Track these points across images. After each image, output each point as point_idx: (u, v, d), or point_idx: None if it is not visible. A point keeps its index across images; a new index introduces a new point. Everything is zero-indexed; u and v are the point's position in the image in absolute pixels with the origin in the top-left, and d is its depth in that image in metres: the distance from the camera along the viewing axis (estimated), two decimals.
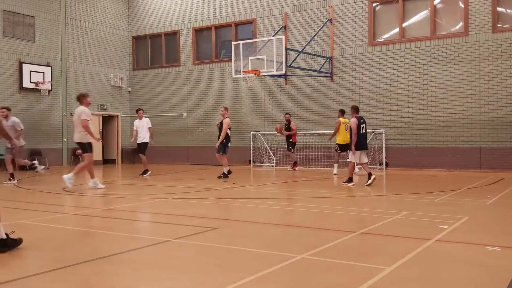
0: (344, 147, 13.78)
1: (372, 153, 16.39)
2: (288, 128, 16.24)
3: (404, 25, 16.31)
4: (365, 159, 11.44)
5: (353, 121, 11.16)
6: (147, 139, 14.64)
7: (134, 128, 14.87)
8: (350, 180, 11.23)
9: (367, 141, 11.94)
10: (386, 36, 16.68)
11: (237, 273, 4.14)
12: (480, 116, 15.04)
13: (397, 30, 16.39)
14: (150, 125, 14.72)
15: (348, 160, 11.61)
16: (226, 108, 13.64)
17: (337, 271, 4.20)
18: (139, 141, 14.67)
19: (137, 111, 15.08)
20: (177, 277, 4.14)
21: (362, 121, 11.31)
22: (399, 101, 16.21)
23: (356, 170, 13.99)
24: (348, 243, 5.28)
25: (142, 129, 14.56)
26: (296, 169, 16.32)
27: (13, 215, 7.50)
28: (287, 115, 16.48)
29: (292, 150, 16.28)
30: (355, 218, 7.20)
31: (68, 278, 4.09)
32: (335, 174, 14.33)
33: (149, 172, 14.65)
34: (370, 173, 11.16)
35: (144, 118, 14.77)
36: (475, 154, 15.10)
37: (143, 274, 4.19)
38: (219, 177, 13.10)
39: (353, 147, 10.93)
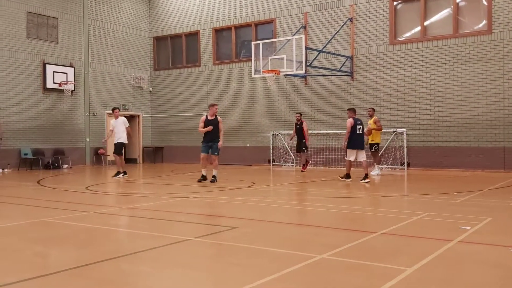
0: (370, 147, 14.29)
1: (393, 153, 16.25)
2: (300, 129, 15.49)
3: (426, 23, 16.11)
4: (362, 158, 12.21)
5: (349, 121, 12.07)
6: (123, 139, 13.87)
7: (110, 128, 14.24)
8: (348, 176, 12.19)
9: (364, 142, 12.65)
10: (407, 34, 16.50)
11: (257, 272, 4.14)
12: (504, 115, 14.76)
13: (418, 28, 16.20)
14: (127, 125, 14.02)
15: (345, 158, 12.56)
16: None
17: (357, 272, 4.17)
18: (114, 141, 13.98)
19: (112, 110, 14.35)
20: (197, 276, 4.16)
21: (358, 122, 12.18)
22: (420, 101, 16.02)
23: (378, 171, 14.28)
24: (369, 244, 5.24)
25: (118, 129, 13.84)
26: (304, 170, 15.66)
27: (37, 213, 7.65)
28: (297, 115, 15.72)
29: (306, 151, 15.68)
30: (376, 218, 7.14)
31: (90, 276, 4.15)
32: (372, 174, 14.17)
33: (125, 175, 13.87)
34: (367, 174, 12.11)
35: (120, 118, 14.06)
36: (498, 154, 14.83)
37: (163, 273, 4.23)
38: (212, 181, 11.97)
39: (345, 144, 12.11)
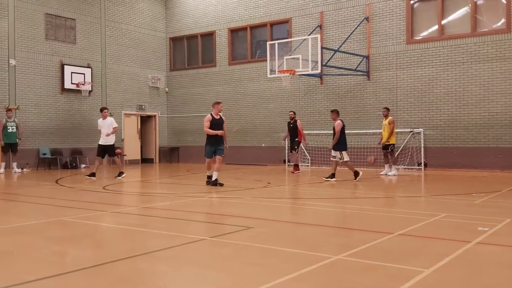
0: (385, 147, 14.42)
1: (410, 153, 16.10)
2: (295, 127, 15.27)
3: (443, 22, 15.93)
4: (347, 158, 12.61)
5: (340, 123, 12.39)
6: (111, 141, 13.58)
7: (98, 128, 13.88)
8: (333, 175, 12.42)
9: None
10: (424, 33, 16.34)
11: (273, 272, 4.14)
12: None
13: (436, 27, 16.03)
14: (115, 125, 13.65)
15: (331, 158, 12.87)
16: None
17: (374, 273, 4.15)
18: (101, 143, 13.54)
19: (101, 110, 14.02)
20: (213, 276, 4.17)
21: (343, 124, 12.65)
22: (438, 100, 15.85)
23: (395, 172, 14.26)
24: (386, 245, 5.20)
25: (105, 130, 13.52)
26: (296, 172, 15.18)
27: (56, 212, 7.75)
28: (291, 113, 15.52)
29: (297, 150, 15.53)
30: (393, 219, 7.08)
31: (107, 274, 4.19)
32: (387, 174, 14.22)
33: (124, 174, 13.67)
34: (356, 171, 12.51)
35: (108, 118, 13.73)
36: None
37: (180, 272, 4.25)
38: (214, 184, 11.15)
39: (332, 146, 12.46)
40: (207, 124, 11.18)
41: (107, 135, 13.46)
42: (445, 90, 15.71)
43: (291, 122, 15.44)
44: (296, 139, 15.25)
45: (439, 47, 15.81)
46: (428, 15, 16.25)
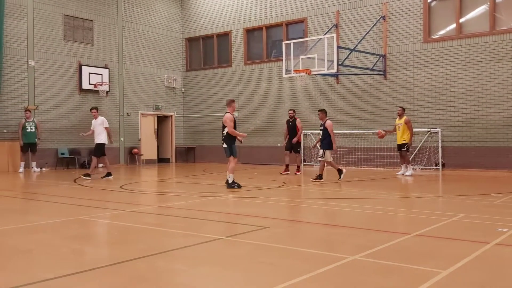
0: (399, 147, 14.37)
1: (427, 153, 15.95)
2: (294, 126, 14.72)
3: (461, 20, 15.74)
4: (330, 158, 12.62)
5: (330, 123, 12.46)
6: (102, 140, 13.49)
7: (91, 128, 13.81)
8: (321, 176, 12.32)
9: None
10: (442, 32, 16.16)
11: (288, 272, 4.14)
12: None
13: (453, 26, 15.84)
14: (106, 125, 13.58)
15: (319, 159, 12.74)
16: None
17: (391, 274, 4.12)
18: (97, 141, 13.53)
19: (90, 110, 14.01)
20: (229, 275, 4.19)
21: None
22: (456, 100, 15.66)
23: (411, 171, 14.20)
24: (402, 245, 5.16)
25: (97, 130, 13.47)
26: (298, 173, 14.73)
27: (74, 211, 7.85)
28: (290, 112, 14.99)
29: (299, 152, 15.11)
30: (410, 220, 7.02)
31: (124, 273, 4.23)
32: (404, 175, 14.05)
33: (109, 176, 13.43)
34: (340, 169, 12.54)
35: (99, 118, 13.64)
36: None
37: (196, 271, 4.28)
38: (236, 186, 10.77)
39: (317, 145, 12.62)
40: (232, 124, 10.64)
41: (82, 135, 13.77)
42: (463, 89, 15.52)
43: (290, 120, 14.92)
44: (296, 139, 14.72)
45: (457, 46, 15.62)
46: (446, 14, 16.07)
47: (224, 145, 10.78)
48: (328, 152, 12.36)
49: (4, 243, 5.46)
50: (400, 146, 14.22)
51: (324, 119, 12.60)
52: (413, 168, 14.53)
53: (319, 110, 13.07)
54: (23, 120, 16.45)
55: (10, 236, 5.87)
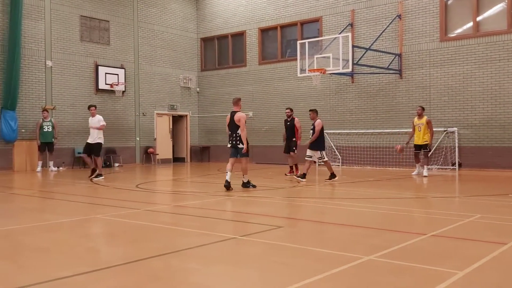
0: (419, 147, 13.90)
1: (444, 153, 15.79)
2: (292, 125, 13.81)
3: (478, 18, 15.54)
4: (326, 157, 12.59)
5: (320, 122, 12.27)
6: (99, 140, 13.11)
7: (89, 126, 13.41)
8: (303, 176, 12.13)
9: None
10: (458, 30, 15.97)
11: (302, 272, 4.14)
12: None
13: (470, 24, 15.65)
14: (103, 123, 13.15)
15: (308, 158, 12.42)
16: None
17: (406, 274, 4.09)
18: (89, 141, 13.14)
19: (88, 107, 13.58)
20: (244, 274, 4.20)
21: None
22: (473, 99, 15.47)
23: (427, 172, 13.63)
24: (418, 246, 5.12)
25: (94, 128, 13.13)
26: (294, 174, 13.66)
27: (90, 210, 7.93)
28: (288, 110, 14.12)
29: (296, 152, 13.91)
30: (426, 220, 6.96)
31: (139, 271, 4.27)
32: (424, 176, 13.45)
33: (99, 177, 12.97)
34: (333, 173, 12.37)
35: (97, 116, 13.24)
36: None
37: (210, 270, 4.29)
38: (251, 185, 10.68)
39: (309, 144, 12.11)
40: (244, 126, 10.29)
41: (99, 128, 13.10)
42: (480, 88, 15.33)
43: (288, 120, 13.96)
44: (294, 139, 13.82)
45: (474, 44, 15.43)
46: (463, 12, 15.88)
47: (240, 145, 10.13)
48: (324, 153, 12.38)
49: (22, 241, 5.55)
50: (421, 147, 13.77)
51: (315, 119, 12.44)
52: (428, 168, 14.37)
53: (310, 110, 12.93)
54: (41, 120, 16.69)
55: (27, 234, 5.95)
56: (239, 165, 10.62)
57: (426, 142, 13.63)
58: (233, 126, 10.19)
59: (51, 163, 16.71)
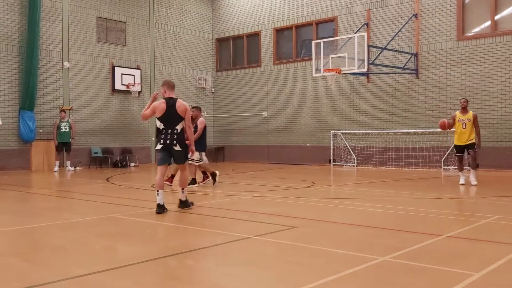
0: (462, 149, 11.28)
1: None
2: (195, 126, 10.99)
3: (496, 17, 15.34)
4: (206, 160, 11.42)
5: (203, 121, 11.09)
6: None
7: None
8: (194, 181, 11.03)
9: None
10: (476, 29, 15.78)
11: (317, 272, 4.13)
12: None
13: (488, 23, 15.45)
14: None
15: (191, 161, 10.57)
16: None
17: (421, 275, 4.06)
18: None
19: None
20: (258, 274, 4.21)
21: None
22: (490, 99, 15.27)
23: (475, 180, 11.02)
24: (433, 247, 5.08)
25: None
26: (203, 182, 11.51)
27: (106, 209, 8.01)
28: (193, 110, 10.99)
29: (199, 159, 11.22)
30: (442, 221, 6.89)
31: (155, 270, 4.31)
32: (473, 185, 10.90)
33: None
34: (213, 173, 11.28)
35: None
36: None
37: (225, 269, 4.32)
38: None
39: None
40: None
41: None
42: (498, 88, 15.12)
43: (196, 120, 11.11)
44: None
45: (492, 44, 15.23)
46: (480, 11, 15.69)
47: (178, 148, 7.39)
48: (203, 154, 11.06)
49: (40, 240, 5.64)
50: (466, 148, 11.16)
51: (198, 117, 11.05)
52: (444, 169, 14.17)
53: (193, 107, 11.06)
54: (58, 120, 16.91)
55: (45, 232, 6.04)
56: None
57: (472, 141, 11.04)
58: (172, 119, 7.37)
59: (68, 163, 16.93)
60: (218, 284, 3.93)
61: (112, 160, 18.70)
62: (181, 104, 7.41)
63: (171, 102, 7.39)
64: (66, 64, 17.88)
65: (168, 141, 7.36)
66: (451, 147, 15.58)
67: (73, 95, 18.05)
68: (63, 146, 16.87)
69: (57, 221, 6.83)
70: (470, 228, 6.06)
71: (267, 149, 20.74)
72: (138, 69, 19.90)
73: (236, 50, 22.20)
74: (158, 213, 7.20)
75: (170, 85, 7.57)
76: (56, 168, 16.58)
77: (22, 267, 4.41)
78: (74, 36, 18.14)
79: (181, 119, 7.39)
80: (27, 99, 16.46)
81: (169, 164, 7.80)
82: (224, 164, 20.79)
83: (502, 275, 4.05)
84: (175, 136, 7.36)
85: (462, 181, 11.21)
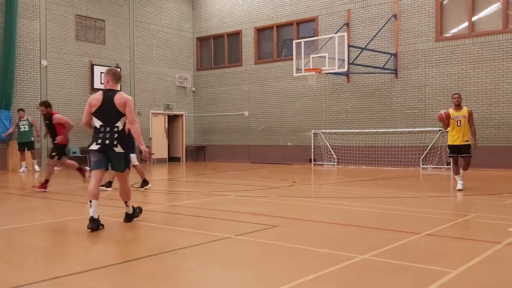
0: (458, 150, 10.05)
1: (439, 152, 15.83)
2: (51, 123, 10.16)
3: (473, 18, 15.60)
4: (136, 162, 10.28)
5: (60, 116, 10.16)
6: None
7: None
8: (109, 184, 10.26)
9: None
10: (454, 30, 16.03)
11: (298, 271, 4.15)
12: None
13: (466, 24, 15.71)
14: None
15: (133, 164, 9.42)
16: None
17: (400, 273, 4.11)
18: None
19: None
20: (239, 273, 4.20)
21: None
22: (468, 98, 15.51)
23: (462, 184, 9.88)
24: (412, 245, 5.14)
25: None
26: (39, 190, 10.11)
27: (84, 210, 7.90)
28: (41, 107, 10.19)
29: (57, 156, 10.40)
30: (420, 219, 6.98)
31: (134, 271, 4.27)
32: (459, 190, 9.78)
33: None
34: (145, 179, 10.42)
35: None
36: None
37: (206, 269, 4.30)
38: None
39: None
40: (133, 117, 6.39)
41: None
42: (475, 88, 15.39)
43: (46, 116, 10.20)
44: (55, 142, 10.30)
45: (469, 44, 15.49)
46: (458, 12, 15.94)
47: (119, 149, 6.22)
48: (132, 156, 9.16)
49: (18, 241, 5.53)
50: (462, 150, 10.00)
51: (48, 113, 9.96)
52: (423, 168, 14.37)
53: (42, 103, 10.22)
54: (17, 119, 16.08)
55: (23, 233, 5.93)
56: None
57: (468, 142, 9.99)
58: (111, 114, 6.21)
59: (34, 162, 16.07)
60: (199, 283, 3.91)
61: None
62: (121, 97, 6.14)
63: (109, 95, 6.17)
64: (44, 62, 17.60)
65: (107, 141, 6.11)
66: (429, 147, 15.81)
67: (51, 93, 17.78)
68: (25, 146, 15.91)
69: (34, 222, 6.72)
70: (448, 226, 6.15)
71: (248, 149, 20.75)
72: (118, 67, 19.69)
73: (217, 49, 22.14)
74: (90, 229, 5.74)
75: (115, 76, 6.40)
76: (22, 169, 15.76)
77: (0, 268, 4.33)
78: (52, 34, 17.86)
79: (121, 114, 6.12)
80: (4, 98, 16.13)
81: (106, 170, 6.48)
82: (205, 163, 20.73)
83: (480, 272, 4.12)
84: (116, 135, 6.12)
85: (460, 186, 9.84)
